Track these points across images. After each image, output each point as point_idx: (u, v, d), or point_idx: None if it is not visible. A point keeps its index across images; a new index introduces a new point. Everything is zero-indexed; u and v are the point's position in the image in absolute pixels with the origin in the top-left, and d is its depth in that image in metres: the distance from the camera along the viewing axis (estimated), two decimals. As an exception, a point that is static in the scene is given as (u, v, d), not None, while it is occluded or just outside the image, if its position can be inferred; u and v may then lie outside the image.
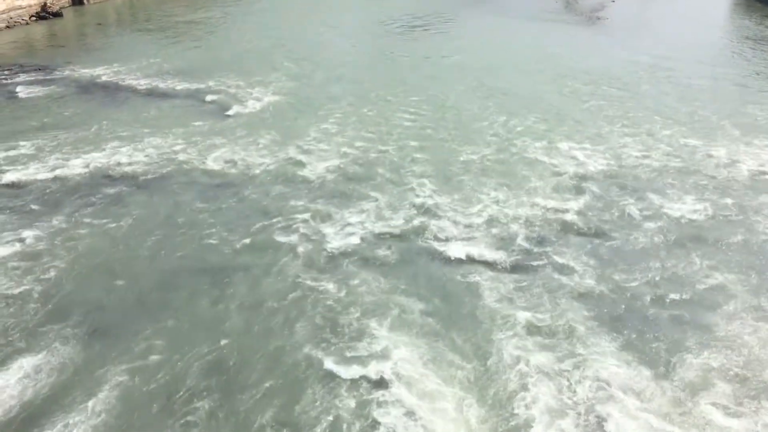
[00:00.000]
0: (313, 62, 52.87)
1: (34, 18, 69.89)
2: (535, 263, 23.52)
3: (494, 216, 26.59)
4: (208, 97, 42.17)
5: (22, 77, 47.06)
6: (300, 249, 24.12)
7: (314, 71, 50.04)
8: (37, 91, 43.68)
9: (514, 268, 23.19)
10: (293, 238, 24.90)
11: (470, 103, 41.36)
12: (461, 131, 36.45)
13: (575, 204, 27.74)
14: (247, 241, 24.71)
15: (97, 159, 31.82)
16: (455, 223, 26.05)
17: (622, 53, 54.24)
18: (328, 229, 25.48)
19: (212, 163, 31.48)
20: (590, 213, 27.10)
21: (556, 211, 27.18)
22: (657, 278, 22.81)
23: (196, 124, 37.01)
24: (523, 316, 20.71)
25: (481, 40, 61.47)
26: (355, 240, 24.73)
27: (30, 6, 70.44)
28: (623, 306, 21.42)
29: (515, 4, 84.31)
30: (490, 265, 23.33)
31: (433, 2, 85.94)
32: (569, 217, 26.70)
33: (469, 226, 25.87)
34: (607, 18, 70.73)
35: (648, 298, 21.81)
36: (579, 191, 28.95)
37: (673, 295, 21.94)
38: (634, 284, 22.47)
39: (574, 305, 21.32)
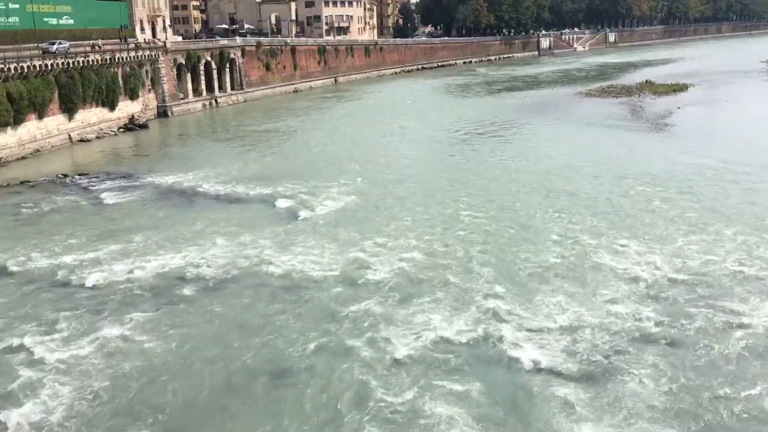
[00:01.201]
0: (380, 166, 54.47)
1: (122, 129, 75.09)
2: (606, 373, 22.65)
3: (562, 322, 25.98)
4: (280, 202, 43.68)
5: (108, 184, 50.12)
6: (365, 354, 24.04)
7: (381, 175, 51.46)
8: (121, 197, 46.32)
9: (584, 378, 22.37)
10: (358, 342, 24.89)
11: (534, 205, 41.39)
12: (525, 233, 36.33)
13: (647, 311, 26.85)
14: (312, 345, 24.82)
15: (172, 261, 33.08)
16: (523, 329, 25.55)
17: (688, 157, 53.70)
18: (393, 334, 25.38)
19: (280, 267, 32.19)
20: (664, 320, 26.14)
21: (628, 317, 26.35)
22: (738, 393, 21.56)
23: (267, 228, 38.21)
24: (595, 429, 19.80)
25: (544, 144, 62.18)
26: (420, 345, 24.51)
27: (119, 118, 75.85)
28: (702, 423, 20.23)
29: (579, 110, 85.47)
30: (559, 374, 22.59)
31: (496, 110, 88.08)
32: (642, 324, 25.80)
33: (536, 331, 25.32)
34: (674, 124, 70.60)
35: (728, 414, 20.57)
36: (650, 297, 28.08)
37: (759, 414, 20.63)
38: (712, 399, 21.27)
39: (648, 419, 20.28)
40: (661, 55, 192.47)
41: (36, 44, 70.68)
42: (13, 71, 58.83)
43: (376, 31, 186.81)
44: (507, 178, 49.44)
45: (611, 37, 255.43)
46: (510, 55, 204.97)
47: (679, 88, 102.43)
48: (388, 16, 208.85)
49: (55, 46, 67.83)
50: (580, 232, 36.01)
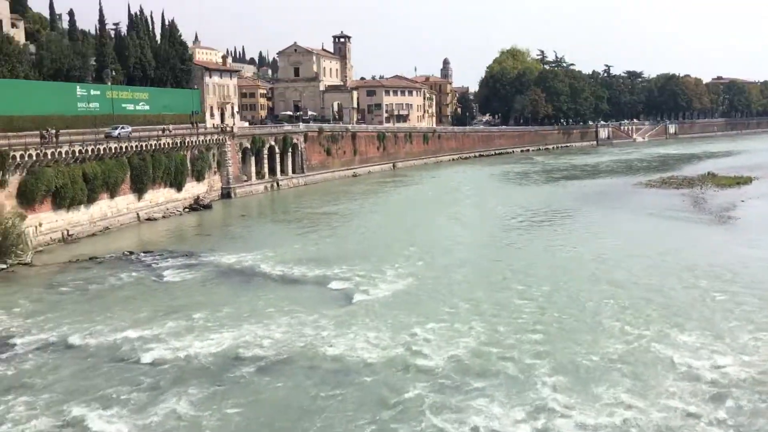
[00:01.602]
0: (436, 251, 54.59)
1: (187, 209, 77.80)
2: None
3: (624, 420, 24.98)
4: (336, 284, 44.08)
5: (171, 262, 51.62)
6: (417, 442, 23.56)
7: (437, 259, 51.54)
8: (183, 275, 47.58)
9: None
10: (409, 431, 24.46)
11: (591, 295, 40.61)
12: (583, 324, 35.54)
13: (715, 411, 25.60)
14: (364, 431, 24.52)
15: (227, 340, 33.54)
16: (581, 426, 24.68)
17: (754, 251, 52.09)
18: (445, 424, 24.87)
19: (334, 349, 32.21)
20: (734, 422, 24.88)
21: (693, 418, 25.19)
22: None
23: (323, 309, 38.47)
24: None
25: (603, 234, 61.38)
26: (474, 437, 23.90)
27: (185, 199, 78.76)
28: None
29: (639, 200, 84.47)
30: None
31: (555, 198, 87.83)
32: (710, 428, 24.58)
33: (595, 429, 24.41)
34: (739, 217, 68.90)
35: None
36: (717, 397, 26.82)
37: None
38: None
39: None
40: (722, 148, 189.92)
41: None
42: (90, 153, 62.26)
43: (434, 118, 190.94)
44: (565, 266, 48.80)
45: (671, 129, 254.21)
46: (568, 145, 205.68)
47: (743, 180, 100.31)
48: (447, 104, 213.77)
49: (117, 131, 69.42)
50: (639, 325, 35.00)
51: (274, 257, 52.56)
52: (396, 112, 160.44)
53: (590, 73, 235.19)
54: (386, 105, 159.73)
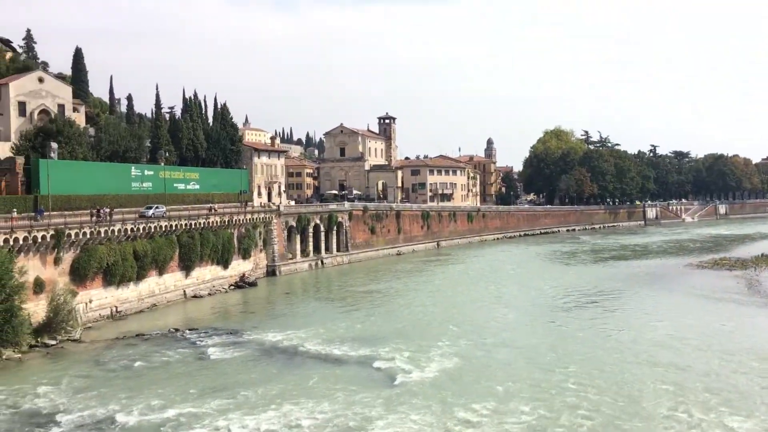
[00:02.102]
0: (481, 330, 53.69)
1: (233, 286, 78.55)
2: None
3: None
4: (380, 364, 43.48)
5: (216, 339, 51.79)
6: None
7: (482, 339, 50.64)
8: (227, 353, 47.59)
9: None
10: None
11: (642, 378, 39.12)
12: (633, 406, 34.15)
13: None
14: None
15: (268, 421, 33.17)
16: None
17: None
18: None
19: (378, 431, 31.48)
20: None
21: None
22: None
23: (367, 390, 37.86)
24: None
25: (653, 315, 59.68)
26: None
27: (231, 276, 79.67)
28: None
29: (690, 282, 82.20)
30: None
31: (602, 278, 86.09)
32: None
33: None
34: (798, 299, 66.34)
35: None
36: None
37: None
38: None
39: None
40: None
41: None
42: (141, 231, 63.94)
43: (478, 198, 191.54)
44: (613, 347, 47.35)
45: (721, 209, 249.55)
46: (615, 224, 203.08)
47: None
48: (491, 184, 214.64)
49: (151, 211, 68.40)
50: (690, 408, 33.52)
51: (318, 335, 52.32)
52: (440, 192, 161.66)
53: (636, 153, 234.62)
54: (430, 184, 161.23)
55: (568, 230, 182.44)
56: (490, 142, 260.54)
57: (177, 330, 55.10)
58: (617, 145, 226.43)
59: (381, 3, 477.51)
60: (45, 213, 57.92)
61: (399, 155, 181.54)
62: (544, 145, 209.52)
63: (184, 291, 70.73)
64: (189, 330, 55.13)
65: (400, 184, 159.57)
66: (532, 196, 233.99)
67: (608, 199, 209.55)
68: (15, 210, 53.44)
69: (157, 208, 70.42)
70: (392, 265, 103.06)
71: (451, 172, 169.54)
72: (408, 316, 61.85)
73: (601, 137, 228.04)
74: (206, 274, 75.21)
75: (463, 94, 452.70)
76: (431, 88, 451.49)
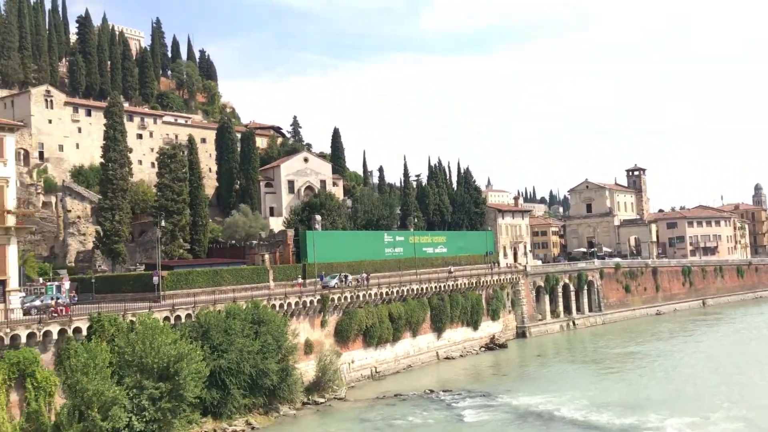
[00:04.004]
0: (765, 405, 47.17)
1: (483, 348, 78.56)
2: None
3: None
4: (646, 436, 40.13)
5: (469, 402, 51.88)
6: None
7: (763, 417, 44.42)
8: (481, 416, 47.39)
9: None
10: None
11: None
12: None
13: None
14: None
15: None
16: None
17: None
18: None
19: None
20: None
21: None
22: None
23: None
24: None
25: None
26: None
27: (481, 338, 79.89)
28: None
29: None
30: None
31: None
32: None
33: None
34: None
35: None
36: None
37: None
38: None
39: None
40: None
41: (415, 271, 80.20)
42: (395, 294, 67.17)
43: (748, 249, 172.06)
44: None
45: None
46: None
47: None
48: (763, 233, 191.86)
49: (334, 280, 64.27)
50: None
51: (575, 400, 49.94)
52: (702, 245, 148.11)
53: None
54: (690, 237, 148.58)
55: None
56: (758, 188, 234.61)
57: (432, 391, 56.18)
58: None
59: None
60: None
61: (651, 208, 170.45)
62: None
63: (437, 352, 72.26)
64: (443, 391, 55.89)
65: (654, 239, 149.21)
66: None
67: None
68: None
69: (344, 276, 65.99)
70: (651, 326, 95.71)
71: (713, 223, 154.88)
72: (675, 381, 56.66)
73: None
74: (457, 335, 76.25)
75: (725, 135, 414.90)
76: (684, 134, 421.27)
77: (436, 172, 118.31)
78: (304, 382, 52.15)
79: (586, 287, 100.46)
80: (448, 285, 75.56)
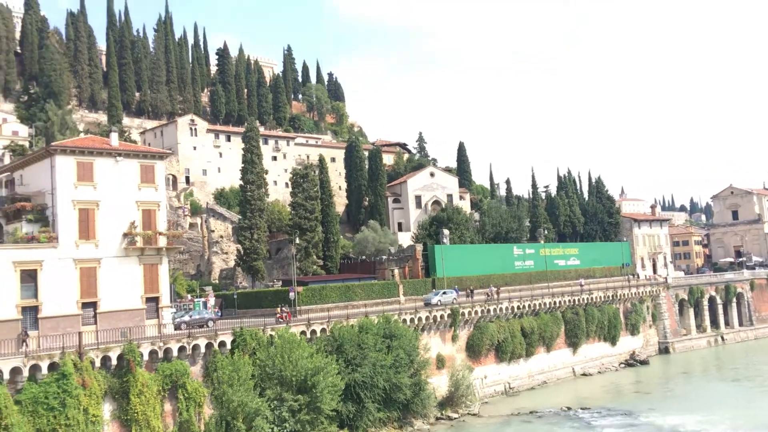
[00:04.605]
0: None
1: (622, 365, 75.18)
2: None
3: None
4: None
5: (609, 420, 49.82)
6: None
7: None
8: (623, 435, 45.31)
9: None
10: None
11: None
12: None
13: None
14: None
15: None
16: None
17: None
18: None
19: None
20: None
21: None
22: None
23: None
24: None
25: None
26: None
27: (620, 354, 76.49)
28: None
29: None
30: None
31: None
32: None
33: None
34: None
35: None
36: None
37: None
38: None
39: None
40: None
41: (546, 284, 78.31)
42: (527, 308, 65.84)
43: None
44: None
45: None
46: None
47: None
48: None
49: (436, 297, 61.03)
50: None
51: (726, 420, 46.75)
52: None
53: None
54: None
55: None
56: None
57: (569, 408, 54.43)
58: None
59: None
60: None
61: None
62: None
63: (573, 368, 69.93)
64: (581, 409, 54.01)
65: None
66: None
67: None
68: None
69: (444, 293, 62.66)
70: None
71: None
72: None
73: None
74: (593, 351, 73.43)
75: None
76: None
77: (566, 182, 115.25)
78: (437, 397, 52.18)
79: (734, 300, 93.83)
80: (583, 298, 73.08)
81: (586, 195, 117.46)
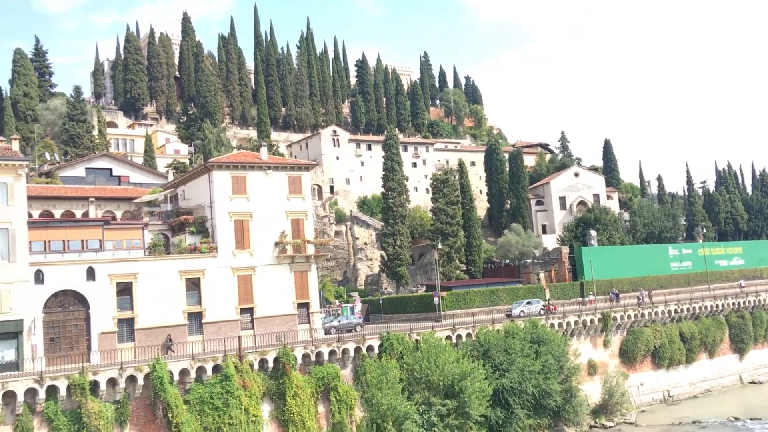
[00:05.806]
0: None
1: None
2: None
3: None
4: None
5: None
6: None
7: None
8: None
9: None
10: None
11: None
12: None
13: None
14: None
15: None
16: None
17: None
18: None
19: None
20: None
21: None
22: None
23: None
24: None
25: None
26: None
27: (795, 361, 69.79)
28: None
29: None
30: None
31: None
32: None
33: None
34: None
35: None
36: None
37: None
38: None
39: None
40: None
41: (707, 286, 73.15)
42: (685, 312, 61.82)
43: None
44: None
45: None
46: None
47: None
48: None
49: (519, 308, 56.42)
50: None
51: None
52: None
53: None
54: None
55: None
56: None
57: (737, 419, 50.51)
58: None
59: None
60: (591, 298, 61.86)
61: None
62: None
63: (740, 375, 64.78)
64: (751, 419, 49.96)
65: None
66: None
67: None
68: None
69: (528, 302, 58.02)
70: None
71: None
72: None
73: None
74: (763, 357, 67.61)
75: None
76: None
77: (726, 177, 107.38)
78: (589, 405, 50.24)
79: None
80: (749, 301, 67.57)
81: (749, 190, 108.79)
